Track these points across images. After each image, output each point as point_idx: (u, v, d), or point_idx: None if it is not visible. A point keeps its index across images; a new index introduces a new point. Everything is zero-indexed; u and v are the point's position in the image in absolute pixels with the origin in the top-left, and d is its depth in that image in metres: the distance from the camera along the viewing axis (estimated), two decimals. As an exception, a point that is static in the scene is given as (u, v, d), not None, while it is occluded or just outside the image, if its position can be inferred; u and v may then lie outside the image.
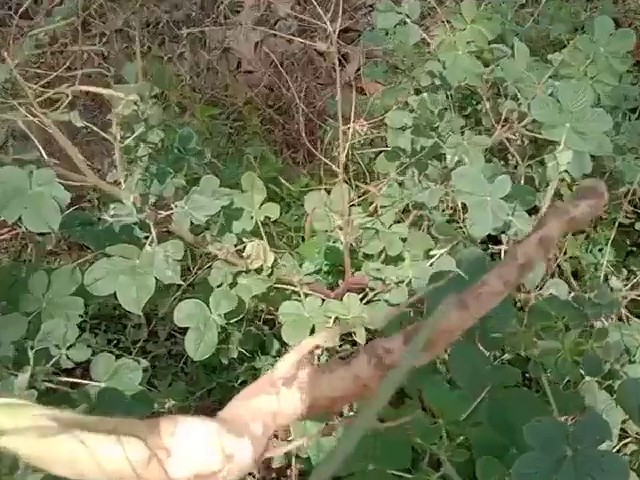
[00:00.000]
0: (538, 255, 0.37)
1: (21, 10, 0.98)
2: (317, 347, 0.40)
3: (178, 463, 0.32)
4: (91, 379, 0.79)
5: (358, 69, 1.50)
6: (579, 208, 0.37)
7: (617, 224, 0.99)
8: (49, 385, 0.77)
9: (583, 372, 0.83)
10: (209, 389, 1.02)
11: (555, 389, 0.81)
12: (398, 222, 0.92)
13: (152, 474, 0.31)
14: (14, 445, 0.31)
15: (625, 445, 0.89)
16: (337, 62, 0.86)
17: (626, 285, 0.85)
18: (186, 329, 0.84)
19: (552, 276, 0.90)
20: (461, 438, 0.82)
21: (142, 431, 0.32)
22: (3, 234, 0.99)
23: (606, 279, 0.90)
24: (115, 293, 0.84)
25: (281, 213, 0.94)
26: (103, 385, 0.78)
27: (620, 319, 0.86)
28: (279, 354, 0.95)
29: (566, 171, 0.85)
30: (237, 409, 0.36)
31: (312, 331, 0.87)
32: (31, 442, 0.31)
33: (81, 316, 0.83)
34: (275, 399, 0.36)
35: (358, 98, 1.03)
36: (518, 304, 0.92)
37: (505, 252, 0.87)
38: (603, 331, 0.82)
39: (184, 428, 0.33)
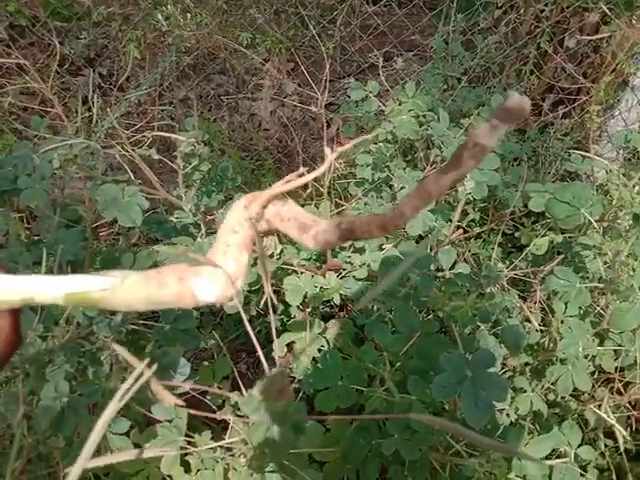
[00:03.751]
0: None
1: (118, 84, 1.23)
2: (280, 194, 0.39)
3: (200, 293, 0.36)
4: (161, 322, 0.90)
5: (338, 129, 1.77)
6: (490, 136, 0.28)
7: (502, 232, 1.19)
8: (133, 326, 0.89)
9: (478, 321, 0.97)
10: (236, 335, 1.21)
11: (460, 334, 0.95)
12: None
13: (186, 300, 0.36)
14: (117, 303, 0.35)
15: (505, 373, 1.08)
16: (324, 123, 1.13)
17: (507, 267, 1.11)
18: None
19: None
20: (398, 365, 0.99)
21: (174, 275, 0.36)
22: (103, 231, 1.23)
23: (495, 265, 1.12)
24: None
25: (286, 220, 1.14)
26: (168, 326, 0.89)
27: (503, 289, 1.07)
28: (282, 313, 1.15)
29: (470, 194, 1.07)
30: (216, 247, 0.38)
31: (305, 296, 1.07)
32: (122, 296, 0.35)
33: None
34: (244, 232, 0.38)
35: (337, 148, 1.21)
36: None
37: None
38: (491, 294, 0.99)
39: (195, 273, 0.36)
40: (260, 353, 0.43)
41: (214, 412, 0.92)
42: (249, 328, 0.42)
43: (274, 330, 0.48)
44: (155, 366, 0.33)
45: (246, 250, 0.38)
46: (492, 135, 0.29)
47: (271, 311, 0.44)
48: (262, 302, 0.45)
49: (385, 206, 1.13)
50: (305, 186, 1.51)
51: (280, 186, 0.39)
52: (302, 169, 0.39)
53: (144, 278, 0.36)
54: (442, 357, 0.79)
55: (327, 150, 0.38)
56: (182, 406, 0.35)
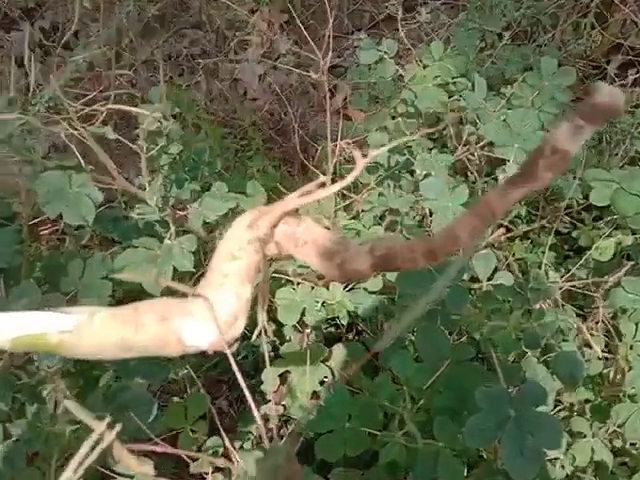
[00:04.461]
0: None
1: (63, 41, 1.23)
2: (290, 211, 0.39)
3: (188, 338, 0.37)
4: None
5: (345, 99, 1.78)
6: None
7: (556, 232, 1.19)
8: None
9: (524, 346, 0.98)
10: (215, 362, 1.21)
11: (501, 362, 0.94)
12: (376, 224, 1.14)
13: (171, 347, 0.37)
14: (81, 349, 0.36)
15: (558, 412, 1.08)
16: (327, 92, 1.10)
17: (562, 277, 1.11)
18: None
19: (503, 271, 1.13)
20: (422, 402, 0.99)
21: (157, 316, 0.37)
22: (44, 229, 1.23)
23: (546, 274, 1.12)
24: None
25: (279, 216, 1.16)
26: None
27: (557, 304, 1.07)
28: (275, 335, 1.15)
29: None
30: (211, 277, 0.39)
31: (303, 313, 1.08)
32: (88, 339, 0.36)
33: (111, 296, 0.98)
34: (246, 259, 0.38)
35: (345, 123, 1.21)
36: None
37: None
38: (541, 312, 1.00)
39: (183, 312, 0.37)
40: (244, 388, 0.42)
41: (187, 465, 0.92)
42: (231, 356, 0.42)
43: (267, 357, 0.48)
44: (118, 427, 0.33)
45: (249, 281, 0.39)
46: (575, 138, 0.29)
47: (264, 343, 0.45)
48: (256, 332, 0.45)
49: (405, 198, 1.14)
50: (303, 173, 1.52)
51: (294, 199, 0.39)
52: (323, 178, 0.39)
53: (117, 316, 0.36)
54: (478, 392, 0.80)
55: (357, 154, 0.39)
56: (155, 475, 0.35)
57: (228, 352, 0.39)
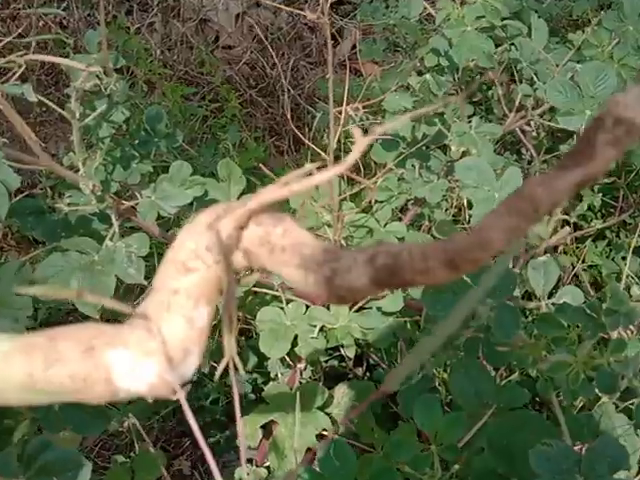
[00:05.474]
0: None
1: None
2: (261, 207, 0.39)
3: (121, 376, 0.37)
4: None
5: (353, 47, 1.72)
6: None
7: None
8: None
9: (597, 389, 0.95)
10: (173, 408, 1.17)
11: (566, 411, 0.97)
12: (395, 220, 1.10)
13: (98, 388, 0.37)
14: None
15: None
16: (330, 37, 1.04)
17: (650, 294, 1.04)
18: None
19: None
20: (457, 466, 0.96)
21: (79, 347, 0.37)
22: (-60, 226, 1.19)
23: (628, 289, 1.07)
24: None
25: (263, 208, 1.11)
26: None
27: None
28: (255, 371, 1.12)
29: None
30: (156, 297, 0.39)
31: (294, 342, 1.04)
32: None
33: (34, 318, 0.98)
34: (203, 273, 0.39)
35: (353, 80, 1.19)
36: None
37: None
38: (621, 343, 0.95)
39: (115, 342, 0.37)
40: (204, 448, 0.39)
41: None
42: (185, 404, 0.39)
43: (237, 407, 0.44)
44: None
45: (206, 302, 0.38)
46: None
47: (234, 383, 0.44)
48: (221, 366, 0.42)
49: (435, 184, 1.09)
50: (295, 148, 1.43)
51: (271, 192, 0.38)
52: (310, 165, 0.38)
53: (24, 347, 0.37)
54: (534, 451, 0.78)
55: (356, 132, 0.38)
56: None
57: (182, 397, 0.37)
